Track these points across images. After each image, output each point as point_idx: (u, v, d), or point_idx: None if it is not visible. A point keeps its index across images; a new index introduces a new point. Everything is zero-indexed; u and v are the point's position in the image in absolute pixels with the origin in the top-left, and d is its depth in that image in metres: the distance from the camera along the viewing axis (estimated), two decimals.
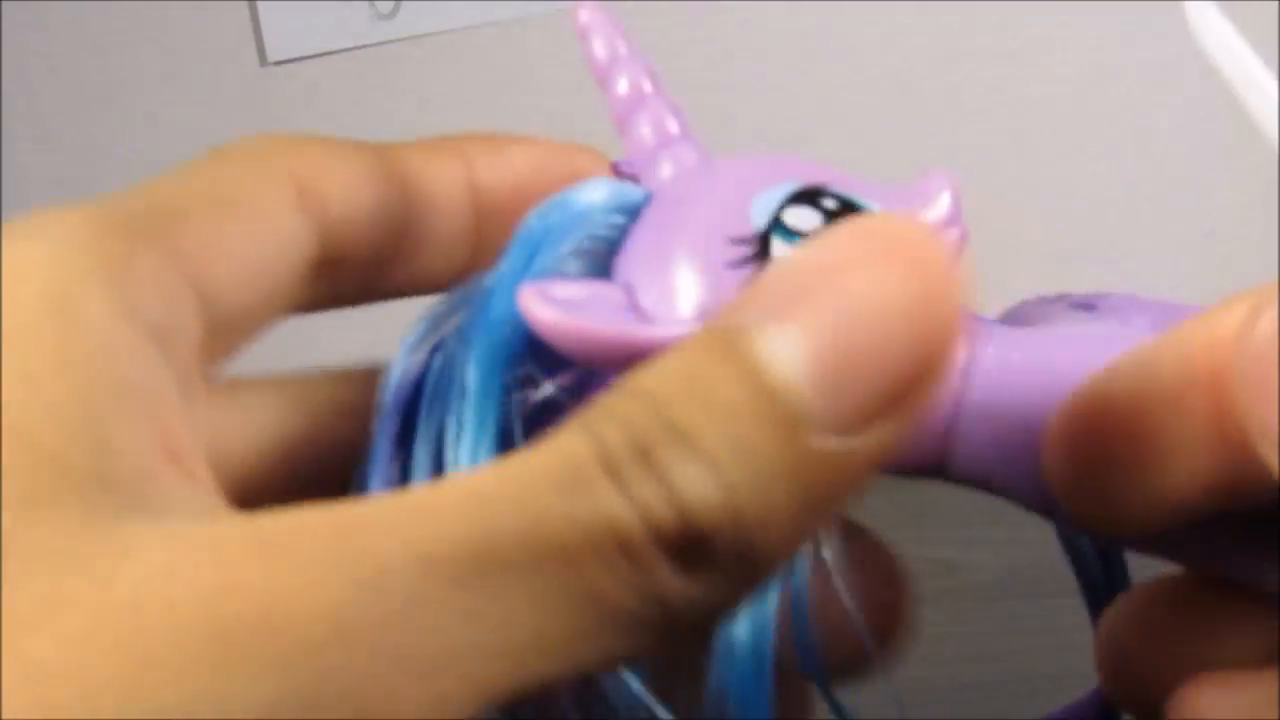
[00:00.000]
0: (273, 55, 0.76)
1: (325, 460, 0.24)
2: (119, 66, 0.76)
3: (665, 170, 0.24)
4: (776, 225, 0.21)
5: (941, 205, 0.22)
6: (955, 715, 0.47)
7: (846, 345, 0.18)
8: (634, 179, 0.24)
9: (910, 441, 0.20)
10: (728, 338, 0.18)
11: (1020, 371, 0.21)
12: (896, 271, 0.18)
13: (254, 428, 0.24)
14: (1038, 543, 0.56)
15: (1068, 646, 0.50)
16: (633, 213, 0.23)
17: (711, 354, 0.18)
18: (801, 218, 0.22)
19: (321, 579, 0.16)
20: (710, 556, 0.17)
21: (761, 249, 0.21)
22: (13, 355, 0.18)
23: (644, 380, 0.18)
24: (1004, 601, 0.51)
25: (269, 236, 0.22)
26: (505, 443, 0.21)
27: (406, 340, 0.23)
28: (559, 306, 0.21)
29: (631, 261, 0.22)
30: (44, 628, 0.16)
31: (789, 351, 0.18)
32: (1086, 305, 0.23)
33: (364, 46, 0.76)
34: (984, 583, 0.52)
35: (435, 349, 0.22)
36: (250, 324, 0.22)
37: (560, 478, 0.17)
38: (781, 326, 0.18)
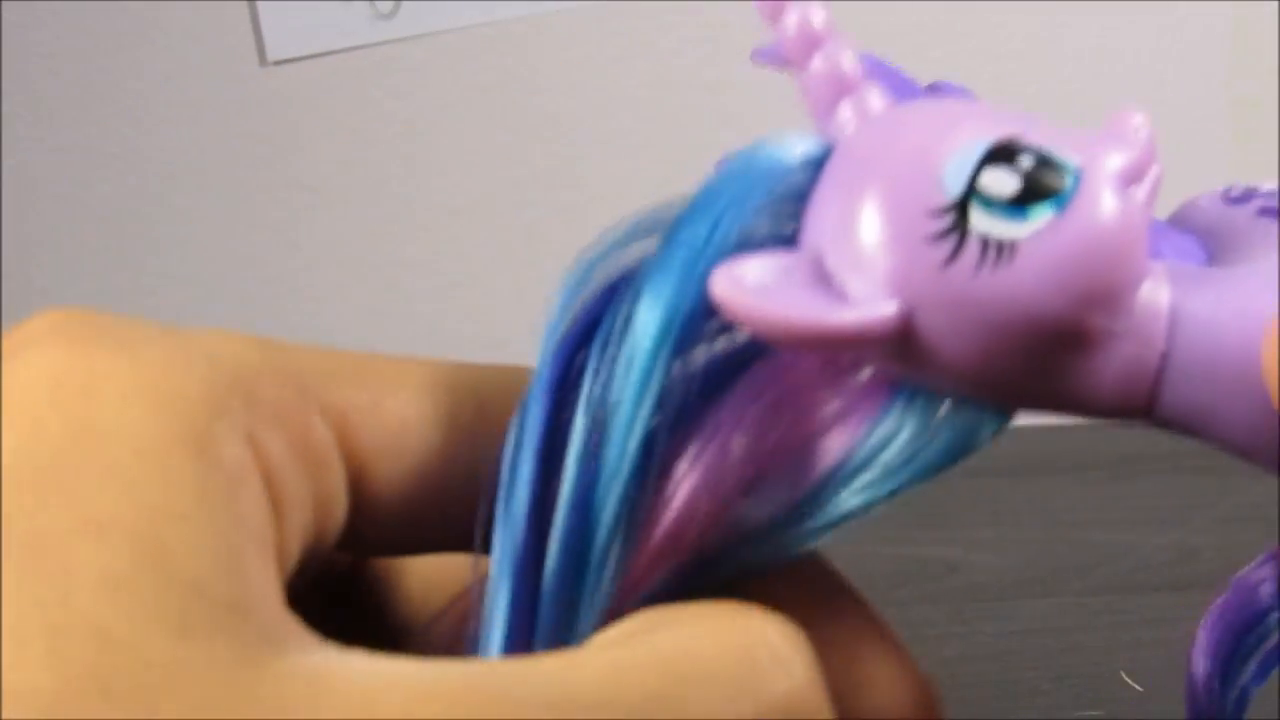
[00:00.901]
0: (273, 55, 0.76)
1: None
2: (119, 66, 0.76)
3: (845, 116, 0.22)
4: (973, 192, 0.21)
5: (1141, 143, 0.21)
6: (955, 715, 0.47)
7: None
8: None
9: (1112, 400, 0.21)
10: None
11: (1232, 314, 0.21)
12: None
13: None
14: (1038, 543, 0.56)
15: (1068, 646, 0.50)
16: (819, 165, 0.22)
17: None
18: (999, 182, 0.21)
19: None
20: None
21: (960, 219, 0.20)
22: (156, 484, 0.18)
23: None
24: (1004, 601, 0.51)
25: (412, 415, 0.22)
26: (668, 406, 0.21)
27: (573, 276, 0.22)
28: (748, 291, 0.20)
29: (820, 227, 0.21)
30: None
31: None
32: (1271, 210, 0.22)
33: (364, 46, 0.75)
34: (984, 583, 0.52)
35: (609, 291, 0.22)
36: (400, 502, 0.22)
37: None
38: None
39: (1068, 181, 0.21)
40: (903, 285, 0.20)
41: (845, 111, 0.22)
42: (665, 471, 0.21)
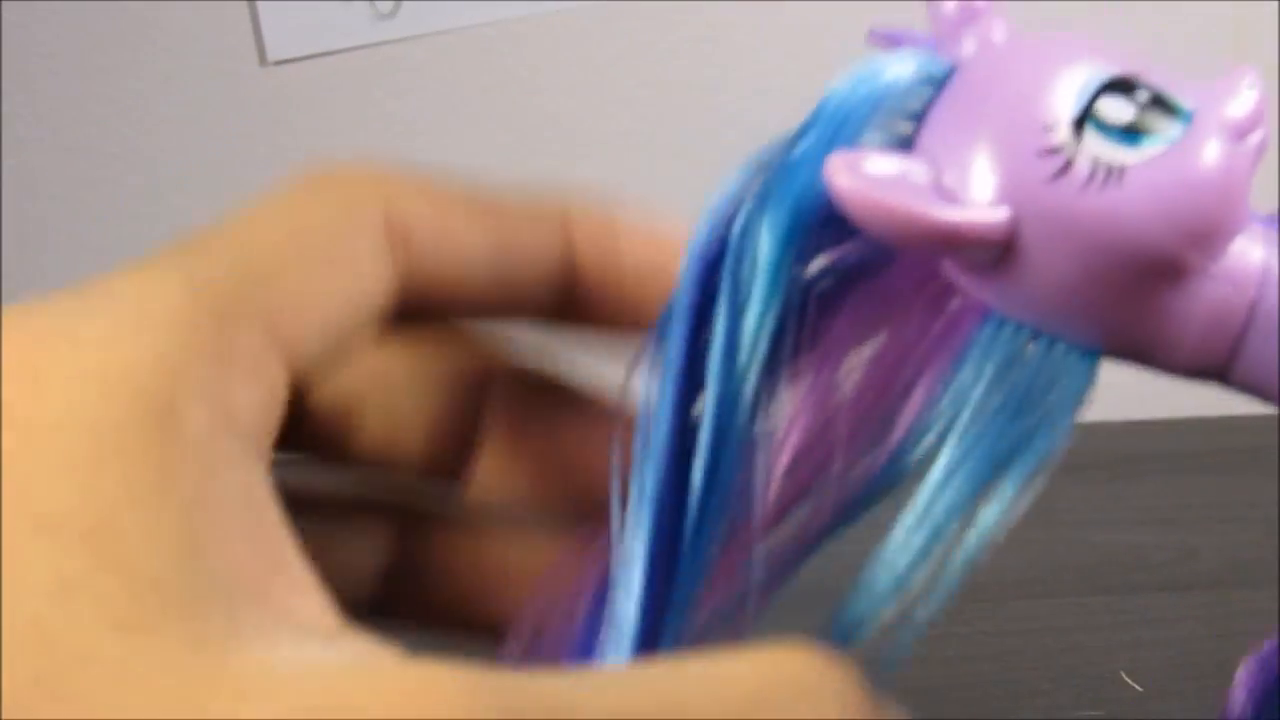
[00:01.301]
0: (273, 55, 0.76)
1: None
2: (119, 66, 0.76)
3: (969, 44, 0.23)
4: (1089, 116, 0.21)
5: (1248, 100, 0.22)
6: (955, 715, 0.47)
7: None
8: (893, 43, 0.24)
9: (1196, 346, 0.21)
10: None
11: None
12: None
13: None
14: (1039, 542, 0.56)
15: (1068, 646, 0.50)
16: (938, 85, 0.22)
17: None
18: (1115, 109, 0.21)
19: None
20: None
21: (1073, 137, 0.21)
22: (113, 472, 0.18)
23: None
24: (1004, 601, 0.51)
25: (357, 292, 0.22)
26: (790, 317, 0.22)
27: (710, 208, 0.22)
28: (866, 180, 0.21)
29: (936, 139, 0.22)
30: None
31: None
32: None
33: (364, 46, 0.75)
34: (984, 583, 0.52)
35: (735, 210, 0.22)
36: (324, 372, 0.23)
37: None
38: None
39: (1180, 120, 0.21)
40: (1012, 195, 0.21)
41: (970, 38, 0.23)
42: (783, 387, 0.22)
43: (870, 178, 0.21)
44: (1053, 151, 0.21)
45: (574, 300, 0.24)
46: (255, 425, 0.20)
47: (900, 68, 0.22)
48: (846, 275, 0.22)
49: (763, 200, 0.22)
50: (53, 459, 0.18)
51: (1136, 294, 0.21)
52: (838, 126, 0.22)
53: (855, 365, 0.22)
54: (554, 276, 0.24)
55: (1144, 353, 0.21)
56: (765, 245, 0.21)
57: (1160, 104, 0.21)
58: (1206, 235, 0.21)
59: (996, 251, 0.21)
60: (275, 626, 0.18)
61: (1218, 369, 0.21)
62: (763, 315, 0.21)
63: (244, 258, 0.21)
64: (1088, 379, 0.22)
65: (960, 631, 0.49)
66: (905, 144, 0.22)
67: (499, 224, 0.24)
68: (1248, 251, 0.21)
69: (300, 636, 0.18)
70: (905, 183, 0.21)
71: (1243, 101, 0.21)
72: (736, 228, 0.22)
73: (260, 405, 0.20)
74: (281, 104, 0.76)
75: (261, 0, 0.75)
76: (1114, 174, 0.21)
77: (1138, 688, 0.45)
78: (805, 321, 0.22)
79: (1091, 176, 0.21)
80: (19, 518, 0.17)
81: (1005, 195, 0.21)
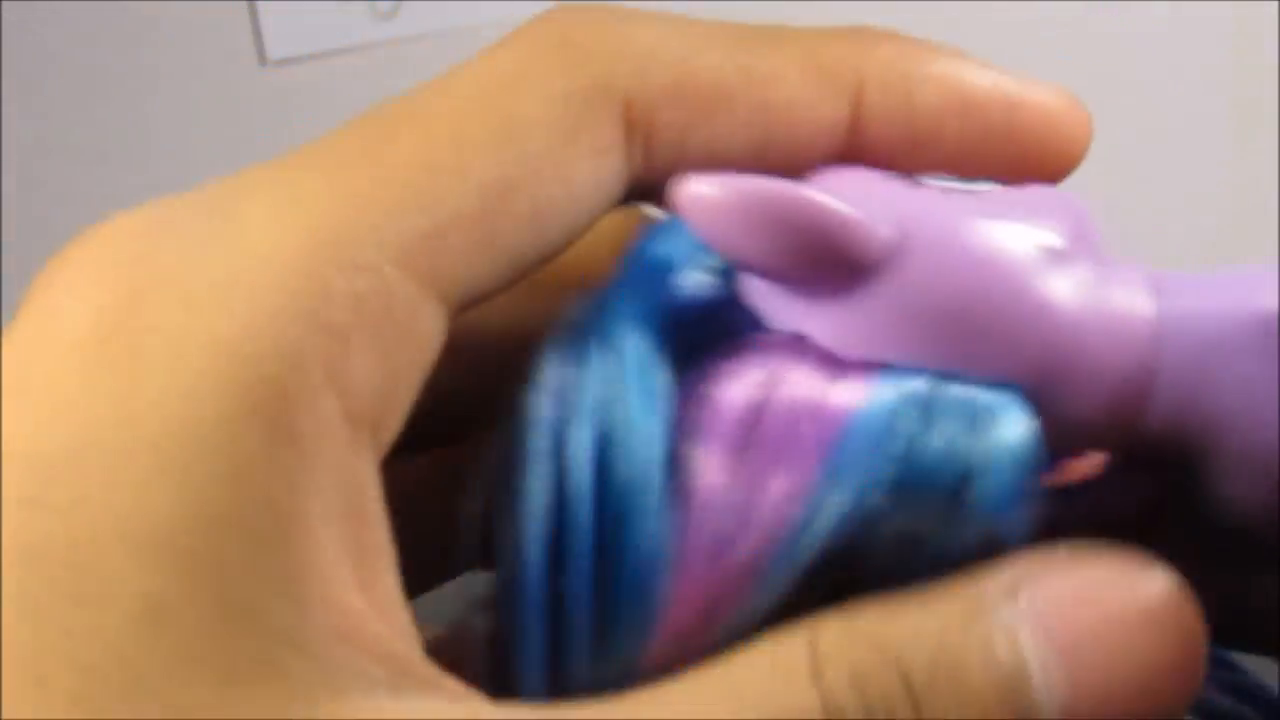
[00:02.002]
0: (273, 55, 0.76)
1: None
2: (119, 66, 0.76)
3: None
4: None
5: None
6: None
7: (1092, 664, 0.18)
8: None
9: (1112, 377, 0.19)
10: (984, 613, 0.18)
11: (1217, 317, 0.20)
12: (1152, 650, 0.18)
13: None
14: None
15: None
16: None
17: (964, 627, 0.18)
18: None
19: None
20: None
21: (912, 181, 0.20)
22: (212, 483, 0.15)
23: (889, 633, 0.18)
24: None
25: (570, 209, 0.19)
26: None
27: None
28: (734, 181, 0.19)
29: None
30: None
31: (1039, 653, 0.18)
32: None
33: (364, 46, 0.75)
34: None
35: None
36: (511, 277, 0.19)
37: None
38: (1051, 662, 0.18)
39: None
40: (881, 202, 0.19)
41: None
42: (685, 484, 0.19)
43: (736, 179, 0.19)
44: (903, 179, 0.20)
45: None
46: (379, 407, 0.17)
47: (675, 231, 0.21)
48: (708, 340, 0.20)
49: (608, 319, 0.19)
50: (144, 453, 0.15)
51: (1034, 288, 0.19)
52: (654, 266, 0.20)
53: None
54: (825, 156, 0.21)
55: (1056, 380, 0.20)
56: (631, 349, 0.19)
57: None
58: (1082, 234, 0.20)
59: (876, 262, 0.19)
60: (367, 679, 0.16)
61: (1133, 413, 0.20)
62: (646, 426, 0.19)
63: (425, 161, 0.18)
64: (1019, 418, 0.19)
65: None
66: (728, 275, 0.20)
67: (765, 120, 0.20)
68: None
69: (389, 682, 0.16)
70: (775, 181, 0.19)
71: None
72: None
73: (393, 378, 0.17)
74: (281, 104, 0.76)
75: (261, 0, 0.75)
76: (972, 192, 0.20)
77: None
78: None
79: (952, 192, 0.20)
80: (104, 521, 0.15)
81: (902, 221, 0.20)
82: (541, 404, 0.19)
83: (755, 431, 0.19)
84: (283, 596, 0.15)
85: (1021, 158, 0.21)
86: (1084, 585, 0.19)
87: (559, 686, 0.19)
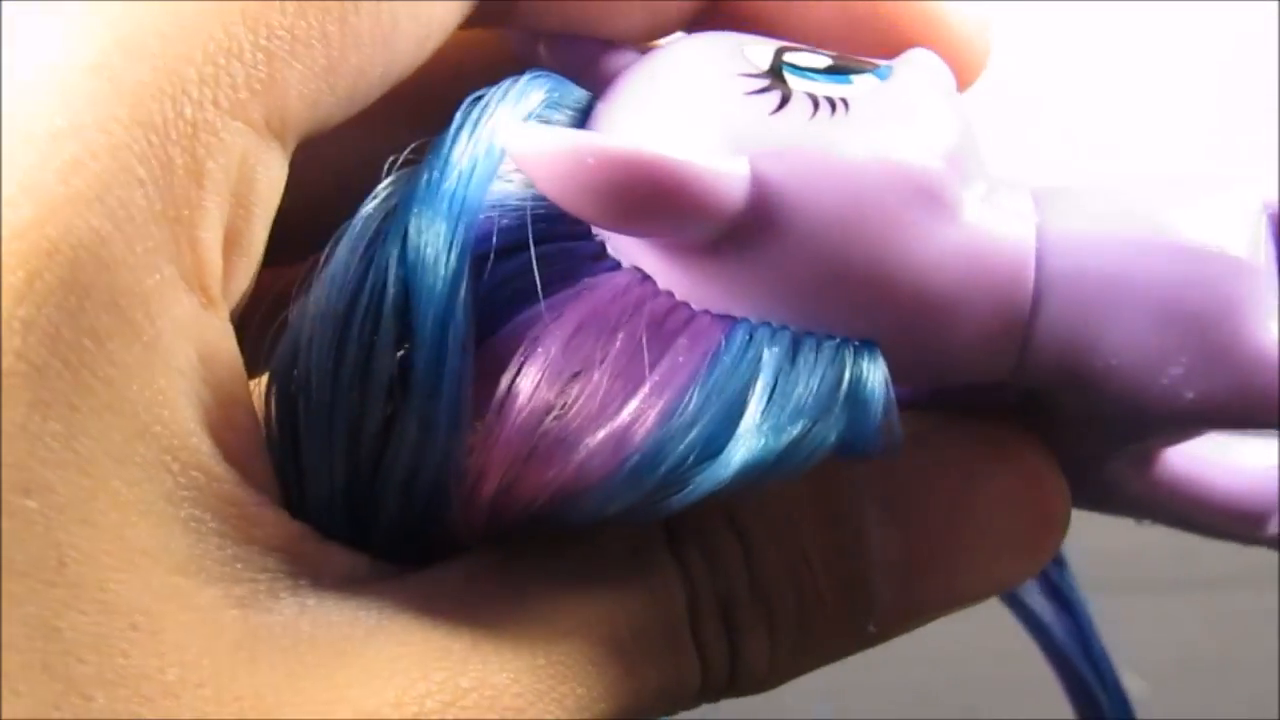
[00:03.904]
0: None
1: None
2: None
3: (610, 65, 0.21)
4: (782, 64, 0.19)
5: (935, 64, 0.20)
6: (956, 715, 0.47)
7: (945, 559, 0.19)
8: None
9: (991, 294, 0.19)
10: (834, 502, 0.19)
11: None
12: (1018, 518, 0.20)
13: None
14: None
15: None
16: (580, 111, 0.20)
17: (820, 522, 0.19)
18: (806, 58, 0.20)
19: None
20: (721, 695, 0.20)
21: (776, 80, 0.19)
22: (18, 411, 0.15)
23: (745, 516, 0.19)
24: (1004, 601, 0.51)
25: (415, 31, 0.19)
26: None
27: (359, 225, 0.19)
28: (574, 136, 0.18)
29: (628, 121, 0.19)
30: None
31: (890, 551, 0.19)
32: None
33: None
34: None
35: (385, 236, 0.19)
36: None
37: (662, 644, 0.19)
38: (893, 522, 0.19)
39: (879, 65, 0.20)
40: (738, 140, 0.18)
41: (614, 59, 0.21)
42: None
43: (570, 133, 0.18)
44: (761, 91, 0.19)
45: None
46: (223, 263, 0.18)
47: (533, 85, 0.20)
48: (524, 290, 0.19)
49: (423, 214, 0.19)
50: None
51: (898, 239, 0.18)
52: (482, 140, 0.19)
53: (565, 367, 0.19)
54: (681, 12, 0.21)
55: (928, 329, 0.19)
56: (433, 262, 0.19)
57: (846, 57, 0.20)
58: (963, 151, 0.19)
59: (731, 219, 0.18)
60: (264, 564, 0.17)
61: (1019, 335, 0.19)
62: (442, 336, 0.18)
63: None
64: (878, 376, 0.19)
65: (960, 631, 0.49)
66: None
67: None
68: (1018, 204, 0.19)
69: (290, 573, 0.17)
70: (615, 137, 0.18)
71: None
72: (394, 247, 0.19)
73: (236, 230, 0.18)
74: None
75: None
76: (839, 105, 0.19)
77: (1142, 682, 0.45)
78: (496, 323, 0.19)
79: (817, 108, 0.19)
80: None
81: (731, 146, 0.18)
82: (362, 228, 0.19)
83: (606, 348, 0.19)
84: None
85: (901, 47, 0.21)
86: (948, 453, 0.20)
87: (348, 504, 0.19)
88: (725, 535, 0.20)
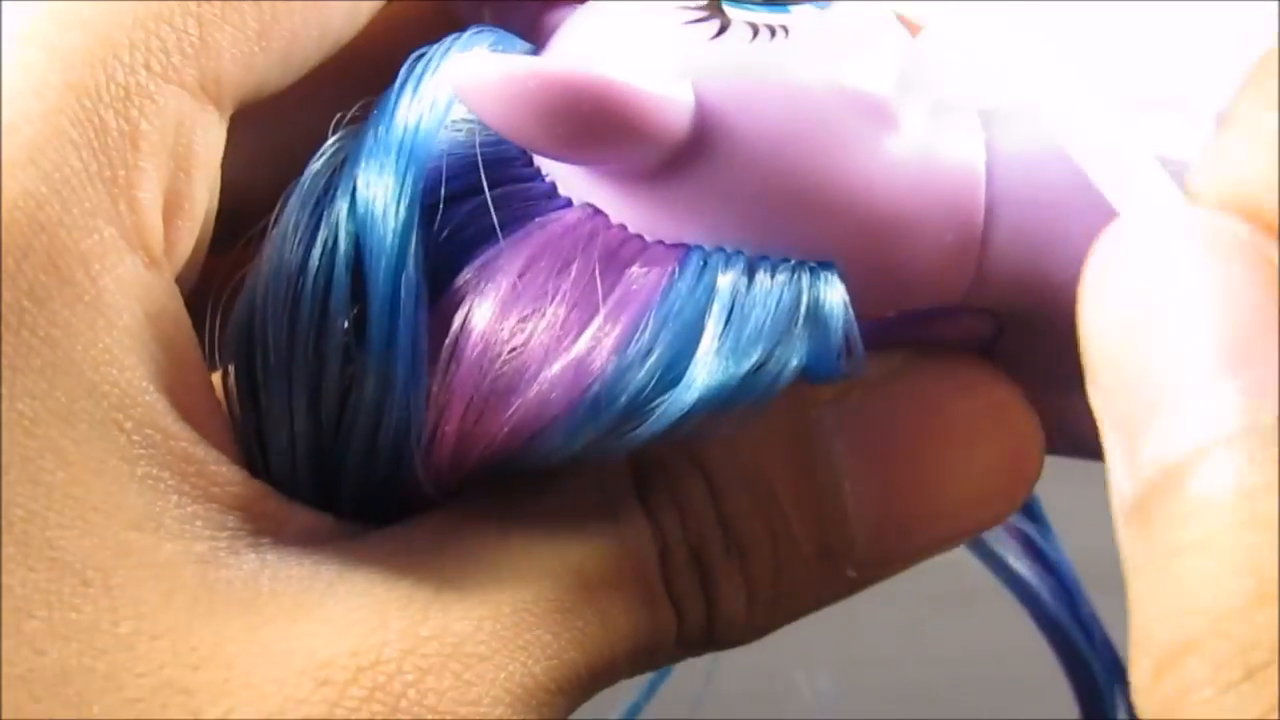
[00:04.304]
0: None
1: None
2: None
3: (552, 23, 0.21)
4: None
5: None
6: (955, 715, 0.47)
7: (920, 496, 0.19)
8: None
9: (937, 224, 0.19)
10: (804, 445, 0.19)
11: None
12: (990, 453, 0.20)
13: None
14: None
15: None
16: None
17: (790, 464, 0.19)
18: None
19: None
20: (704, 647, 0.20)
21: (715, 9, 0.19)
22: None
23: (714, 461, 0.19)
24: (1004, 602, 0.51)
25: None
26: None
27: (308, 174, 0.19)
28: (511, 62, 0.18)
29: (569, 54, 0.19)
30: None
31: (864, 490, 0.19)
32: None
33: None
34: (985, 583, 0.52)
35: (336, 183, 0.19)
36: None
37: (634, 592, 0.19)
38: (864, 460, 0.19)
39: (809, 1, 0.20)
40: (679, 66, 0.18)
41: (555, 15, 0.21)
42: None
43: (510, 59, 0.18)
44: (700, 20, 0.19)
45: None
46: (165, 228, 0.18)
47: (477, 40, 0.20)
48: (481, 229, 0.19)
49: (372, 161, 0.19)
50: None
51: (845, 156, 0.18)
52: (425, 88, 0.19)
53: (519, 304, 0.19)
54: None
55: (882, 247, 0.19)
56: (384, 208, 0.19)
57: None
58: (904, 70, 0.19)
59: (677, 143, 0.18)
60: (225, 522, 0.17)
61: (974, 251, 0.19)
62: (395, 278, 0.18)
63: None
64: (836, 297, 0.19)
65: (960, 631, 0.49)
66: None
67: None
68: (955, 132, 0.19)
69: (250, 531, 0.17)
70: (556, 60, 0.18)
71: None
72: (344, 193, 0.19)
73: (177, 195, 0.18)
74: None
75: None
76: (779, 31, 0.19)
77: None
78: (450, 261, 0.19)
79: (756, 33, 0.19)
80: None
81: (673, 69, 0.18)
82: (311, 184, 0.19)
83: (559, 281, 0.19)
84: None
85: None
86: (916, 389, 0.19)
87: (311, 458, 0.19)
88: (693, 480, 0.19)
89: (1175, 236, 0.14)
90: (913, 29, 0.20)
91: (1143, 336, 0.14)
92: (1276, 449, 0.13)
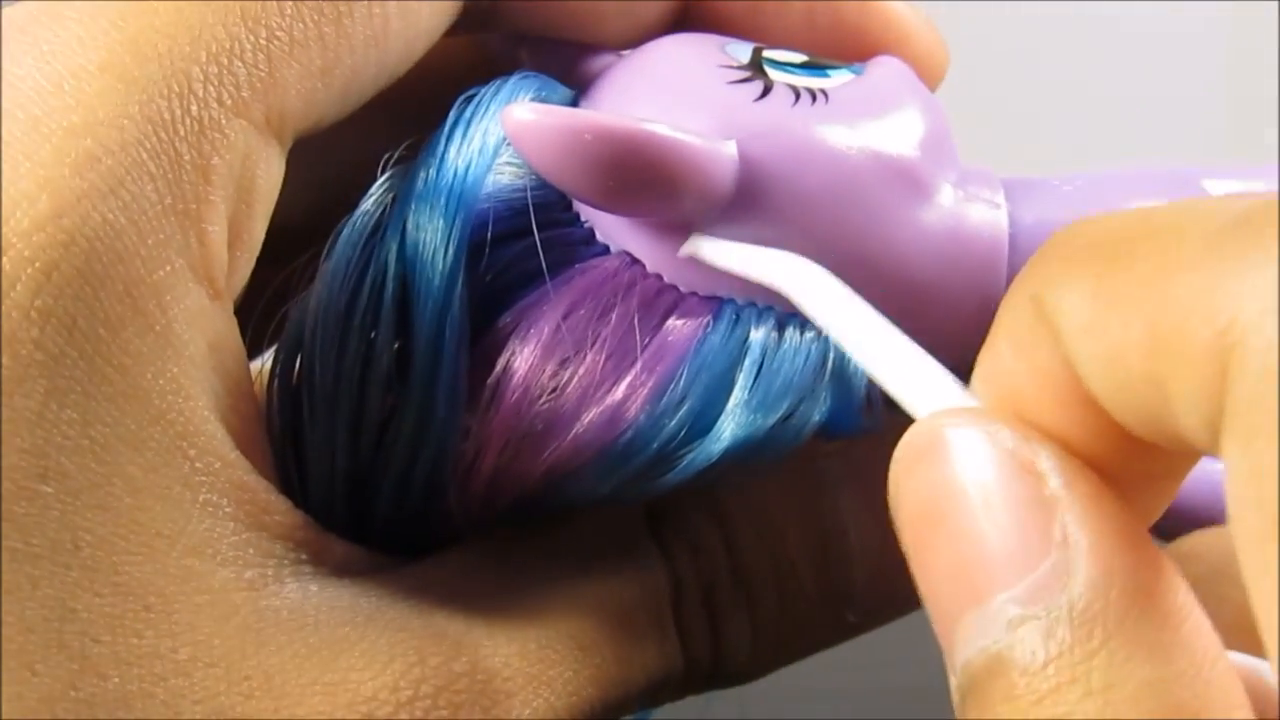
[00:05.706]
0: None
1: None
2: None
3: (592, 67, 0.21)
4: (761, 60, 0.20)
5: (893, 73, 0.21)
6: (955, 715, 0.47)
7: (919, 546, 0.19)
8: None
9: (973, 265, 0.19)
10: (812, 492, 0.20)
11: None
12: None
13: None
14: None
15: None
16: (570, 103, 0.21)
17: (798, 510, 0.20)
18: (783, 54, 0.20)
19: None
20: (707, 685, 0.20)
21: (757, 72, 0.20)
22: (31, 411, 0.16)
23: (727, 504, 0.20)
24: None
25: (406, 33, 0.20)
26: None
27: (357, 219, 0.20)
28: (563, 114, 0.18)
29: (616, 109, 0.20)
30: None
31: (866, 538, 0.20)
32: None
33: None
34: None
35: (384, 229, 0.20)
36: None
37: (647, 629, 0.19)
38: (868, 509, 0.19)
39: (852, 64, 0.20)
40: (724, 125, 0.19)
41: (594, 61, 0.21)
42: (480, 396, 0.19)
43: (567, 111, 0.18)
44: (743, 81, 0.19)
45: None
46: (228, 259, 0.18)
47: (523, 84, 0.21)
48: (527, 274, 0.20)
49: (421, 207, 0.19)
50: None
51: (879, 220, 0.19)
52: (476, 137, 0.19)
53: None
54: (662, 14, 0.22)
55: (907, 310, 0.19)
56: (434, 256, 0.19)
57: (817, 57, 0.20)
58: (937, 141, 0.20)
59: (720, 198, 0.19)
60: (273, 550, 0.18)
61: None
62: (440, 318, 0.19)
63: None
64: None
65: None
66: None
67: None
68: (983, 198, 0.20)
69: (292, 559, 0.18)
70: (611, 115, 0.18)
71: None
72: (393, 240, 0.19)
73: (238, 227, 0.18)
74: None
75: None
76: (819, 96, 0.19)
77: None
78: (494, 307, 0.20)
79: (798, 97, 0.19)
80: None
81: (719, 129, 0.19)
82: (361, 223, 0.19)
83: (599, 328, 0.19)
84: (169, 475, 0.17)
85: (866, 53, 0.21)
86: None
87: (348, 490, 0.19)
88: (707, 523, 0.20)
89: (954, 449, 0.15)
90: (930, 77, 0.21)
91: (930, 543, 0.15)
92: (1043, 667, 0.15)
